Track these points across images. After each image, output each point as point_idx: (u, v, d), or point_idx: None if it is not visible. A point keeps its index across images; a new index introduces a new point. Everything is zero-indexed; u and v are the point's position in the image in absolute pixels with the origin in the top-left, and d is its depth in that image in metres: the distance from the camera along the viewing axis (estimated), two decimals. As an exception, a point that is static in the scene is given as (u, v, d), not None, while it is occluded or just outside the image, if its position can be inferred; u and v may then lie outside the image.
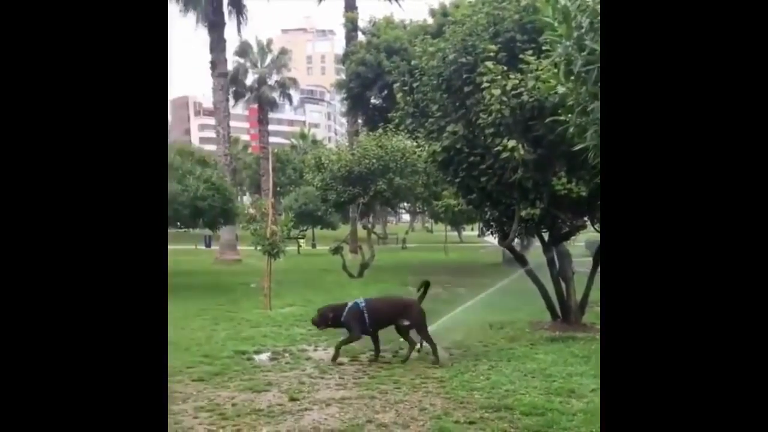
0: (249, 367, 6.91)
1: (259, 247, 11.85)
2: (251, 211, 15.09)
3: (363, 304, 7.28)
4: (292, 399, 5.74)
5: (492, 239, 14.98)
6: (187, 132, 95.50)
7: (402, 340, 8.43)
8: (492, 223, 10.63)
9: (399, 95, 9.80)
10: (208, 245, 34.63)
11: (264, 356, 7.51)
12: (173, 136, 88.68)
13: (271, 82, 40.77)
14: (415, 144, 16.11)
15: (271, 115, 42.99)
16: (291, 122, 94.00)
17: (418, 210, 46.15)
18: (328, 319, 7.37)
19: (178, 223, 14.95)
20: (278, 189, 46.89)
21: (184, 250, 31.09)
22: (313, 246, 35.21)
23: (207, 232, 26.86)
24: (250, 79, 40.34)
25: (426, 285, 7.59)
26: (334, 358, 7.14)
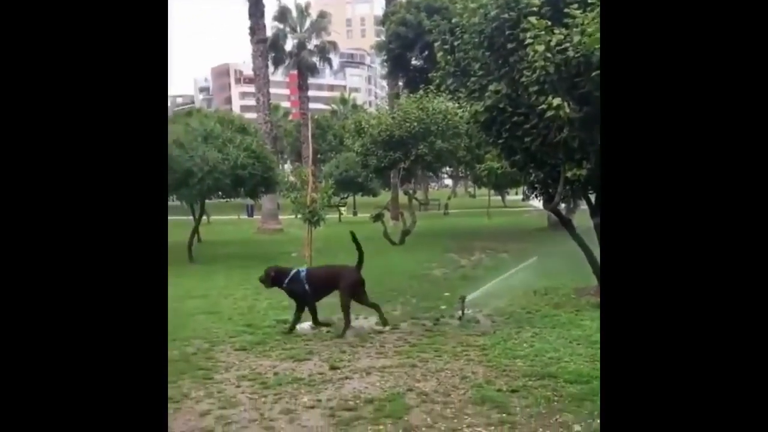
0: (290, 336, 6.90)
1: (299, 216, 11.81)
2: (291, 179, 15.05)
3: (303, 273, 7.33)
4: (333, 368, 5.71)
5: (537, 203, 14.64)
6: (228, 100, 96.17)
7: (444, 308, 8.34)
8: (536, 186, 10.29)
9: (439, 54, 9.47)
10: (251, 215, 34.93)
11: (306, 325, 7.48)
12: (214, 104, 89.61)
13: (310, 46, 40.30)
14: (456, 105, 15.72)
15: (311, 80, 42.61)
16: (331, 87, 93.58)
17: (460, 174, 45.64)
18: (270, 277, 7.48)
19: (220, 193, 14.93)
20: (319, 156, 46.84)
21: (227, 220, 31.53)
22: (355, 213, 35.22)
23: (249, 201, 27.01)
24: (289, 45, 39.94)
25: (353, 237, 7.49)
26: (290, 329, 7.12)
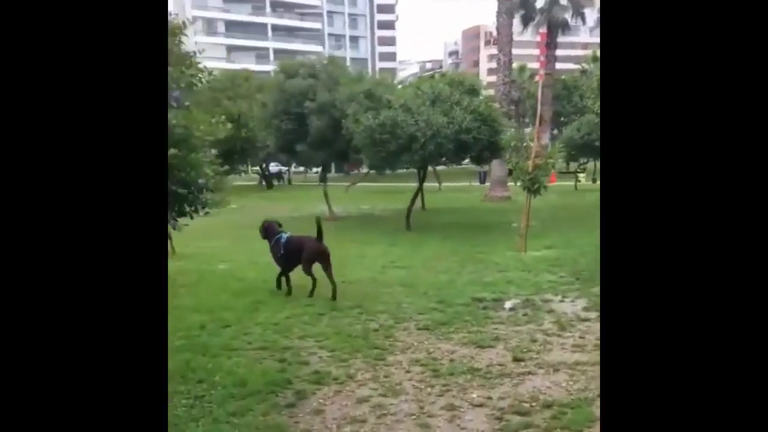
0: (480, 318, 6.35)
1: (518, 183, 11.08)
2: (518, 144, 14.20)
3: (284, 240, 7.22)
4: (516, 359, 5.10)
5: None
6: (476, 64, 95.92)
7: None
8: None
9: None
10: (483, 181, 34.16)
11: (509, 304, 6.86)
12: (462, 67, 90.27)
13: (563, 1, 37.78)
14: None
15: (563, 39, 40.02)
16: (585, 45, 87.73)
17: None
18: (264, 229, 7.65)
19: (444, 159, 14.60)
20: (562, 119, 44.36)
21: (458, 187, 31.23)
22: (594, 180, 32.71)
23: (482, 168, 26.40)
24: (541, 1, 37.97)
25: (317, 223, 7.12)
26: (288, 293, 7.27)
